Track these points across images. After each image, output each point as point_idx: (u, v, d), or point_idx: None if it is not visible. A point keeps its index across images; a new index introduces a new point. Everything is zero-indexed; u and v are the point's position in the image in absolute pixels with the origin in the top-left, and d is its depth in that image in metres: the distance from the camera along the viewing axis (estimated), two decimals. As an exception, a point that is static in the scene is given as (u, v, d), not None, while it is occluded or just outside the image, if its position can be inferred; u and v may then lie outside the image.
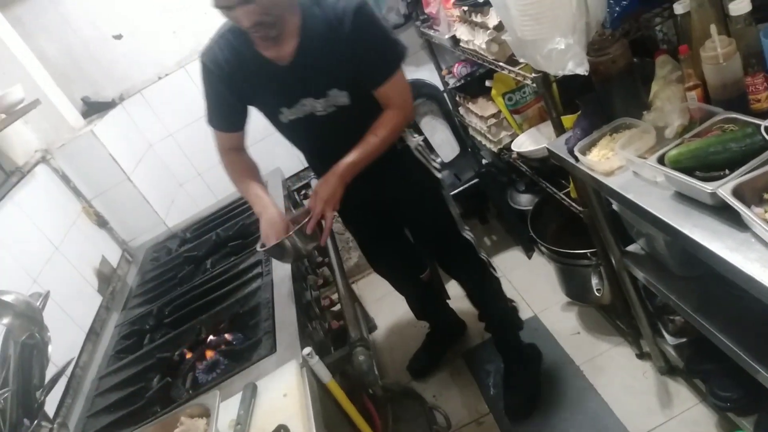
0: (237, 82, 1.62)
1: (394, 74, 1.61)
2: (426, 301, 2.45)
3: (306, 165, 3.03)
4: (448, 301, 2.53)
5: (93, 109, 2.71)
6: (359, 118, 1.66)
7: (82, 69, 2.68)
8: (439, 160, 2.02)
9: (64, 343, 1.82)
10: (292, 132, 1.76)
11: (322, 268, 1.97)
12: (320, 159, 1.82)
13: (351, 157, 1.62)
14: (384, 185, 1.84)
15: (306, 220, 1.54)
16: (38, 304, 1.28)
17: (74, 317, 1.93)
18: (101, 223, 2.42)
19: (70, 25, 2.60)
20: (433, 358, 2.51)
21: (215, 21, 2.71)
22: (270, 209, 1.62)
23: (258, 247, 1.62)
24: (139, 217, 2.52)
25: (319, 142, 1.78)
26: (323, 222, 1.58)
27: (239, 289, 1.78)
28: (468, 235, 2.00)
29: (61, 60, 2.64)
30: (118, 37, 2.66)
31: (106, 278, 2.22)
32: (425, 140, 1.98)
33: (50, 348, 1.28)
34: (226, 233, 2.17)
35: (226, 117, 1.72)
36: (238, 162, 1.77)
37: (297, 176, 3.01)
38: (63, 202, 2.28)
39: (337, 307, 1.77)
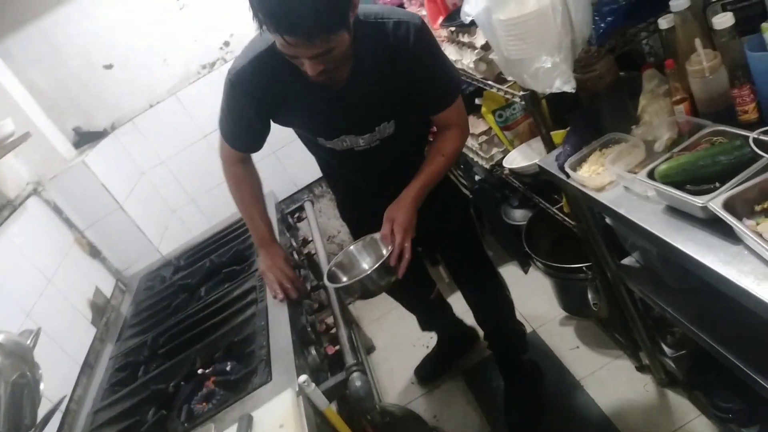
0: (270, 107, 1.52)
1: (457, 98, 1.56)
2: (433, 316, 2.45)
3: (299, 188, 3.04)
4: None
5: (85, 139, 2.71)
6: (400, 147, 1.60)
7: (73, 99, 2.68)
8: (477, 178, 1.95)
9: (58, 378, 1.79)
10: (325, 155, 1.69)
11: (317, 292, 1.96)
12: (364, 184, 1.76)
13: (421, 180, 1.55)
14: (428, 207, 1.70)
15: (389, 253, 1.44)
16: (29, 342, 1.26)
17: (68, 350, 1.90)
18: (94, 253, 2.40)
19: (61, 56, 2.60)
20: (441, 366, 2.52)
21: (204, 49, 2.75)
22: (269, 247, 1.64)
23: (326, 281, 1.51)
24: (132, 245, 2.50)
25: (352, 171, 1.72)
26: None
27: (234, 316, 1.76)
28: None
29: (52, 91, 2.64)
30: (109, 66, 2.67)
31: (99, 309, 2.19)
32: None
33: (42, 386, 1.26)
34: (219, 259, 2.15)
35: (243, 138, 1.63)
36: (243, 179, 1.70)
37: (291, 198, 3.01)
38: (55, 233, 2.26)
39: (334, 331, 1.76)
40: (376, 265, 1.42)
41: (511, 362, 2.17)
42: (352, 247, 1.62)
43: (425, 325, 2.51)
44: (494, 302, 2.07)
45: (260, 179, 1.75)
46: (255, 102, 1.50)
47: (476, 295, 2.07)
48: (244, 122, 1.56)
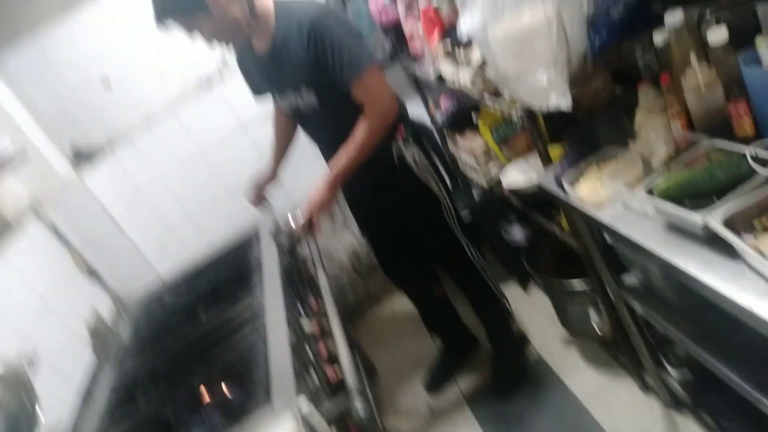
0: (243, 67, 2.04)
1: (357, 79, 1.73)
2: (437, 314, 2.53)
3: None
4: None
5: (83, 156, 2.70)
6: (335, 120, 1.85)
7: (70, 116, 2.67)
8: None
9: (55, 404, 1.76)
10: (295, 122, 2.08)
11: (317, 312, 1.94)
12: (321, 151, 2.08)
13: (336, 165, 1.84)
14: (386, 198, 2.07)
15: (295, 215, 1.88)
16: (25, 366, 1.24)
17: (66, 374, 1.88)
18: (92, 273, 2.38)
19: (57, 72, 2.60)
20: (446, 372, 2.54)
21: (202, 64, 2.75)
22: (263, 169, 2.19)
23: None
24: (130, 265, 2.49)
25: (313, 136, 2.05)
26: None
27: (232, 337, 1.74)
28: (473, 255, 2.16)
29: (49, 108, 2.63)
30: (107, 83, 2.67)
31: (97, 333, 2.17)
32: (429, 158, 2.05)
33: (38, 410, 1.24)
34: (218, 279, 2.14)
35: (255, 91, 2.10)
36: (276, 120, 2.22)
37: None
38: (53, 253, 2.25)
39: (334, 353, 1.73)
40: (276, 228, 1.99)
41: (494, 330, 2.38)
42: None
43: (428, 324, 2.58)
44: (472, 286, 2.27)
45: (292, 128, 2.20)
46: (238, 63, 2.06)
47: (457, 279, 2.34)
48: (247, 81, 2.09)
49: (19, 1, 2.47)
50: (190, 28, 1.72)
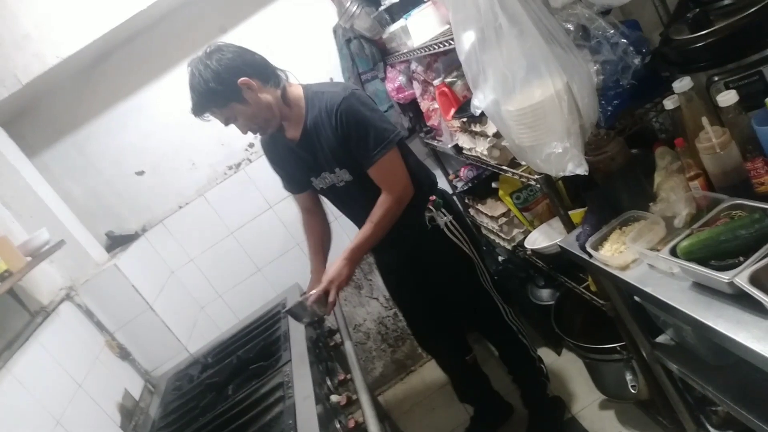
0: (275, 158, 2.08)
1: (378, 160, 1.82)
2: (469, 383, 2.50)
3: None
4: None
5: (117, 242, 2.80)
6: (369, 190, 1.90)
7: (105, 205, 2.80)
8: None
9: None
10: (329, 199, 2.12)
11: (345, 384, 1.93)
12: (357, 225, 2.09)
13: (354, 243, 1.92)
14: (420, 263, 2.11)
15: (313, 292, 1.91)
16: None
17: (97, 457, 1.88)
18: (124, 355, 2.41)
19: (94, 165, 2.74)
20: None
21: (230, 150, 2.87)
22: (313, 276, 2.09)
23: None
24: (161, 345, 2.51)
25: (347, 209, 2.12)
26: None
27: (262, 415, 1.74)
28: (509, 316, 2.20)
29: (86, 199, 2.76)
30: (141, 173, 2.80)
31: (128, 412, 2.18)
32: (458, 219, 2.10)
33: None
34: (246, 355, 2.15)
35: (286, 182, 2.15)
36: (308, 225, 2.21)
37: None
38: (86, 337, 2.29)
39: (364, 426, 1.71)
40: (299, 299, 1.97)
41: (535, 395, 2.33)
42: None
43: (460, 393, 2.54)
44: (507, 346, 2.29)
45: (325, 226, 2.22)
46: (269, 155, 2.12)
47: (490, 337, 2.39)
48: (277, 171, 2.14)
49: (61, 104, 2.64)
50: (227, 119, 1.83)
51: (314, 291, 1.92)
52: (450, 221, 2.04)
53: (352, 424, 1.61)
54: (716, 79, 1.32)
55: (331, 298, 1.90)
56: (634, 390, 1.83)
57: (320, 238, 2.19)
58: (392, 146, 1.84)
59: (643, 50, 1.41)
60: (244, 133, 1.89)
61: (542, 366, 2.31)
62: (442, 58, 2.20)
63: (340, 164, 1.89)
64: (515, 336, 2.20)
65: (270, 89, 1.82)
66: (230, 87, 1.74)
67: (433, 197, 2.04)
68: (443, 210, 2.05)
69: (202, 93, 1.75)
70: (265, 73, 1.82)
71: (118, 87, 2.68)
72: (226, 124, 1.85)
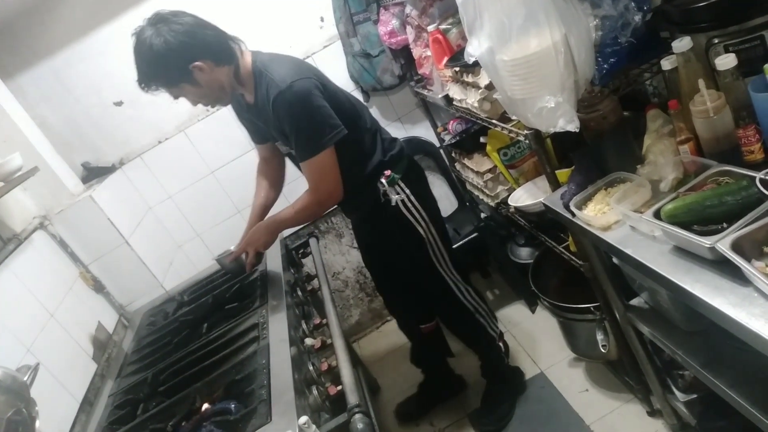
0: (240, 112, 2.06)
1: (308, 160, 1.78)
2: (422, 351, 2.51)
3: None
4: (449, 358, 2.52)
5: (93, 174, 2.74)
6: None
7: (83, 135, 2.72)
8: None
9: (57, 415, 1.76)
10: (293, 163, 2.07)
11: (321, 329, 1.94)
12: None
13: (277, 216, 2.00)
14: (374, 236, 2.15)
15: (232, 252, 2.10)
16: (26, 378, 1.25)
17: (68, 387, 1.88)
18: (98, 288, 2.39)
19: (72, 93, 2.65)
20: (420, 408, 2.52)
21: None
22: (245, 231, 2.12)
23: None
24: (136, 280, 2.49)
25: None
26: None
27: (235, 354, 1.74)
28: (465, 296, 2.15)
29: (63, 127, 2.68)
30: (119, 103, 2.71)
31: (101, 345, 2.17)
32: (418, 195, 2.00)
33: (38, 423, 1.24)
34: (223, 295, 2.14)
35: (251, 134, 2.14)
36: (260, 172, 2.22)
37: (296, 234, 3.00)
38: (60, 267, 2.26)
39: (336, 370, 1.73)
40: (220, 255, 2.16)
41: (488, 365, 2.35)
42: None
43: (413, 358, 2.56)
44: (459, 324, 2.28)
45: (276, 175, 2.22)
46: (235, 109, 2.08)
47: (443, 318, 2.38)
48: (242, 123, 2.13)
49: (38, 25, 2.52)
50: (175, 95, 1.79)
51: (233, 250, 2.09)
52: (406, 198, 1.96)
53: (325, 367, 1.62)
54: (716, 41, 1.29)
55: (249, 259, 2.01)
56: (605, 350, 1.86)
57: (266, 189, 2.20)
58: (324, 148, 1.75)
59: (645, 7, 1.37)
60: (194, 105, 1.88)
61: (501, 344, 2.31)
62: (438, 2, 2.13)
63: (288, 143, 1.87)
64: (472, 316, 2.18)
65: (223, 68, 1.75)
66: (181, 70, 1.70)
67: (388, 172, 1.95)
68: (400, 185, 1.96)
69: (149, 74, 1.71)
70: (218, 51, 1.73)
71: (98, 9, 2.55)
72: (176, 98, 1.82)
